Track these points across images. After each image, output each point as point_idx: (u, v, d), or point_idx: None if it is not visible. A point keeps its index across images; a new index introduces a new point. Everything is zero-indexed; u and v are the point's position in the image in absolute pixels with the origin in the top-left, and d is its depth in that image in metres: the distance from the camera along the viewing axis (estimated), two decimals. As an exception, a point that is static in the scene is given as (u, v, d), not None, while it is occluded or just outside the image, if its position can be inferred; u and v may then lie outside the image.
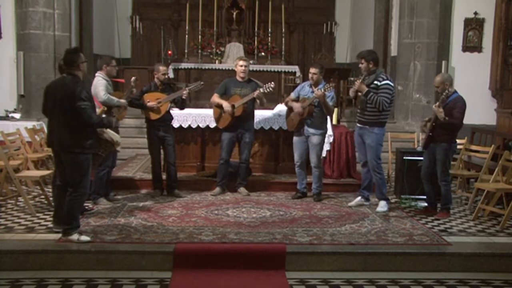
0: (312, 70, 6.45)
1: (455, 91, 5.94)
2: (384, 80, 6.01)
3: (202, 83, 6.91)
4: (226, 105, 6.58)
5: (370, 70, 6.07)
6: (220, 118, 6.74)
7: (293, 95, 6.70)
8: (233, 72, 6.94)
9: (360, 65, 6.12)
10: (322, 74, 6.48)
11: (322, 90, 6.18)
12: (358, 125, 6.29)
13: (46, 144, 6.85)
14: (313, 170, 6.60)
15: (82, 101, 4.63)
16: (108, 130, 5.18)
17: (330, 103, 6.38)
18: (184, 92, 6.54)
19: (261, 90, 6.56)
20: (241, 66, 6.70)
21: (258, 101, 6.64)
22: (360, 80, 6.05)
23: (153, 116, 6.50)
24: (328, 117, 7.17)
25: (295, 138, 6.65)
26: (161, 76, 6.55)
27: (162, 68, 6.60)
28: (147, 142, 6.75)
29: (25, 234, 5.06)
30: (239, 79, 6.75)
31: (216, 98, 6.72)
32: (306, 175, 6.77)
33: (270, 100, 10.60)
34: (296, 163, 6.67)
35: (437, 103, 5.71)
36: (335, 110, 8.28)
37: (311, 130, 6.46)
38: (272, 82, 6.74)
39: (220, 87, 6.83)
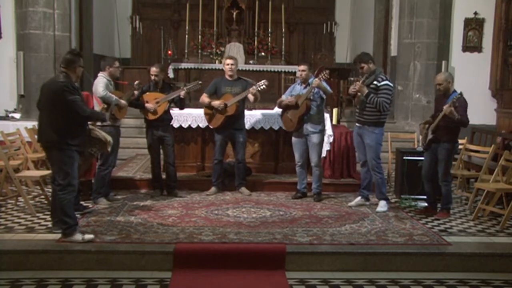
0: (301, 67, 6.51)
1: (455, 90, 5.95)
2: (383, 80, 6.03)
3: (200, 82, 6.90)
4: (218, 103, 6.59)
5: (370, 71, 6.09)
6: (212, 118, 6.74)
7: (284, 97, 6.72)
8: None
9: (361, 70, 6.14)
10: (310, 71, 6.56)
11: (317, 80, 6.23)
12: (357, 124, 6.29)
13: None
14: (314, 169, 6.61)
15: (71, 95, 4.69)
16: (99, 130, 5.22)
17: (328, 89, 6.42)
18: (182, 92, 6.53)
19: (255, 87, 6.57)
20: (228, 64, 6.73)
21: (252, 97, 6.61)
22: (361, 82, 6.06)
23: (151, 116, 6.50)
24: (328, 117, 7.19)
25: (294, 139, 6.65)
26: (151, 77, 6.55)
27: (152, 69, 6.59)
28: (146, 142, 6.76)
29: (25, 234, 5.06)
30: (228, 78, 6.77)
31: (205, 98, 6.73)
32: (306, 175, 6.78)
33: (270, 100, 10.61)
34: (298, 163, 6.67)
35: (448, 104, 5.64)
36: (335, 110, 8.32)
37: (310, 128, 6.46)
38: (266, 80, 6.76)
39: (210, 87, 6.84)
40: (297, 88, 6.61)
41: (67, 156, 4.76)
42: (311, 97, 6.38)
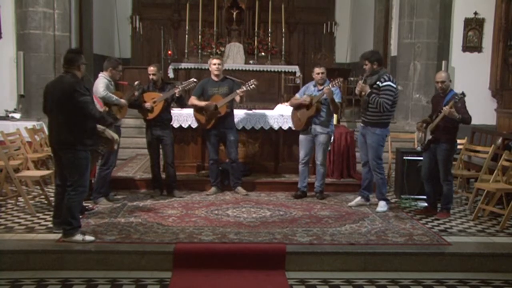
0: (320, 69, 6.53)
1: (451, 89, 5.97)
2: (386, 81, 5.99)
3: (195, 80, 6.83)
4: (208, 104, 6.59)
5: (374, 71, 6.07)
6: (204, 120, 6.72)
7: (298, 95, 6.76)
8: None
9: (365, 67, 6.12)
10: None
11: (329, 86, 6.24)
12: (361, 125, 6.31)
13: (47, 144, 6.85)
14: (318, 167, 6.65)
15: (83, 96, 4.67)
16: (106, 128, 5.20)
17: (336, 100, 6.41)
18: (176, 90, 6.51)
19: (244, 88, 6.58)
20: (215, 64, 6.73)
21: (237, 98, 6.62)
22: (362, 81, 6.06)
23: (149, 116, 6.50)
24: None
25: (301, 136, 6.68)
26: (150, 76, 6.56)
27: (150, 68, 6.61)
28: (146, 142, 6.77)
29: (25, 234, 5.06)
30: (215, 79, 6.77)
31: (194, 101, 6.73)
32: (308, 174, 6.78)
33: (270, 100, 10.62)
34: (302, 160, 6.69)
35: (449, 105, 5.63)
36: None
37: (319, 129, 6.50)
38: (255, 80, 6.77)
39: (197, 89, 6.84)
40: (311, 89, 6.62)
41: (82, 157, 4.76)
42: (322, 101, 6.41)
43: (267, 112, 7.66)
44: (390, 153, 7.92)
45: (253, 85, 6.63)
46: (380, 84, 5.98)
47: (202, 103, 6.65)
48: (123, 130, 6.99)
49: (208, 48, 13.29)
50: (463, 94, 5.69)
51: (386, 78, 6.01)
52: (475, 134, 9.07)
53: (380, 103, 5.92)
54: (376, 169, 6.16)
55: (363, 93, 6.07)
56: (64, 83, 4.74)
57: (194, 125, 7.43)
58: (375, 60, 6.07)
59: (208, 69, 12.06)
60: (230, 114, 6.82)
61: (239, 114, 7.32)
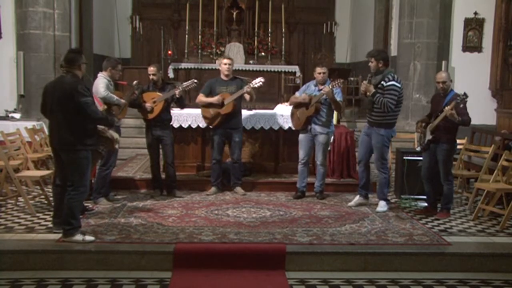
0: (322, 69, 6.55)
1: (452, 89, 5.97)
2: (390, 80, 5.95)
3: (196, 81, 6.82)
4: (216, 98, 6.60)
5: (379, 70, 6.05)
6: (210, 117, 6.73)
7: (298, 94, 6.76)
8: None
9: (370, 64, 6.10)
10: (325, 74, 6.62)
11: (330, 87, 6.24)
12: (367, 125, 6.30)
13: (47, 144, 6.84)
14: (319, 167, 6.66)
15: (85, 97, 4.67)
16: (106, 128, 5.21)
17: (338, 98, 6.42)
18: (177, 90, 6.51)
19: (251, 85, 6.58)
20: (225, 64, 6.74)
21: (247, 96, 6.63)
22: (366, 81, 6.05)
23: (149, 116, 6.51)
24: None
25: (301, 136, 6.67)
26: (150, 76, 6.56)
27: (149, 69, 6.61)
28: (146, 142, 6.77)
29: (25, 234, 5.06)
30: (224, 78, 6.78)
31: (202, 98, 6.73)
32: (308, 174, 6.78)
33: (270, 100, 10.62)
34: (301, 160, 6.68)
35: (450, 106, 5.61)
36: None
37: (318, 129, 6.50)
38: (262, 77, 6.77)
39: (205, 87, 6.84)
40: (312, 88, 6.63)
41: (83, 157, 4.76)
42: (322, 101, 6.42)
43: (267, 112, 7.66)
44: (390, 153, 7.91)
45: (260, 83, 6.64)
46: (385, 84, 5.96)
47: (210, 99, 6.65)
48: (123, 130, 7.00)
49: (208, 48, 13.30)
50: (465, 95, 5.66)
51: (391, 78, 5.98)
52: (475, 134, 9.07)
53: (384, 103, 5.90)
54: (380, 169, 6.17)
55: (367, 93, 6.05)
56: (64, 83, 4.74)
57: (194, 125, 7.43)
58: (381, 59, 6.03)
59: (208, 69, 12.38)
60: (237, 114, 6.81)
61: (239, 114, 7.33)
